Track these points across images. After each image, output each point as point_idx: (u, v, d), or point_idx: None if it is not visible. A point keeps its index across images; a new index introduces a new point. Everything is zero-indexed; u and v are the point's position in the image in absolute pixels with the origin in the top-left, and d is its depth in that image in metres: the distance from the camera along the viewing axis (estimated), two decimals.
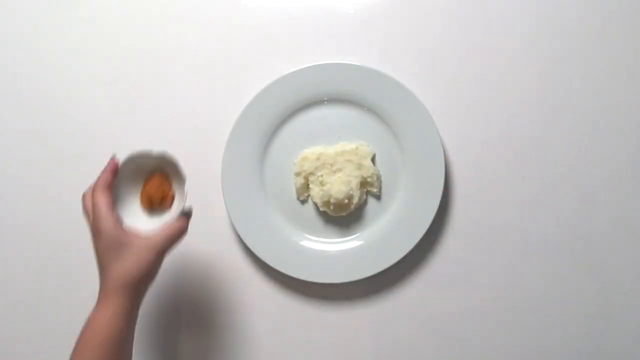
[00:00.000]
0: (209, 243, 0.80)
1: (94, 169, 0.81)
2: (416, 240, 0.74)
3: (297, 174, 0.77)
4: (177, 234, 0.63)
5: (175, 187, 0.68)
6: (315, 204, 0.77)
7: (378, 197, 0.78)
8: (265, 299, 0.79)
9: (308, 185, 0.77)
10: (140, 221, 0.65)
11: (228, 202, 0.77)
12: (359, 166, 0.76)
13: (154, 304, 0.79)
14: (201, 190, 0.80)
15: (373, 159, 0.77)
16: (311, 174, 0.77)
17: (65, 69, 0.85)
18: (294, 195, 0.78)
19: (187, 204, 0.65)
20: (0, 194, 0.84)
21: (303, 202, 0.78)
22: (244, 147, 0.78)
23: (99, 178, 0.63)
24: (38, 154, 0.84)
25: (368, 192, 0.77)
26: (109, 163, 0.64)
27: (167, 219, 0.65)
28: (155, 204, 0.67)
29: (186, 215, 0.66)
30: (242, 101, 0.78)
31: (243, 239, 0.77)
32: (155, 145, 0.81)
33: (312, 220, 0.78)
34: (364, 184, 0.76)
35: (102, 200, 0.61)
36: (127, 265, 0.59)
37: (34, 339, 0.81)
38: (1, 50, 0.86)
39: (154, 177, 0.67)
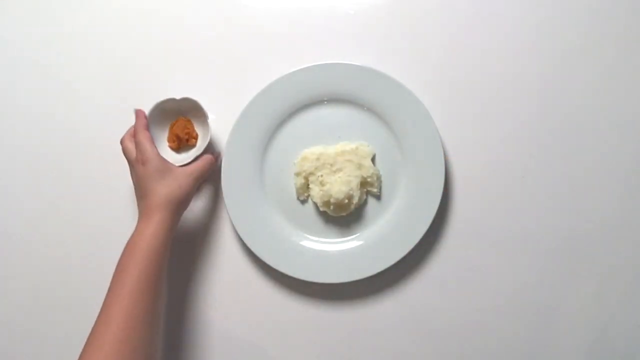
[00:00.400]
0: (209, 243, 0.80)
1: (92, 173, 0.82)
2: (416, 240, 0.74)
3: (297, 174, 0.77)
4: (209, 165, 0.76)
5: (198, 129, 0.79)
6: (315, 204, 0.77)
7: (378, 197, 0.78)
8: (265, 299, 0.79)
9: (308, 185, 0.77)
10: (169, 158, 0.75)
11: (228, 202, 0.77)
12: (359, 166, 0.76)
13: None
14: (201, 190, 0.81)
15: (373, 159, 0.77)
16: (311, 174, 0.77)
17: (65, 69, 0.85)
18: (294, 195, 0.78)
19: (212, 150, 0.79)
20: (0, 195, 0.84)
21: (303, 202, 0.78)
22: (244, 147, 0.78)
23: (136, 123, 0.74)
24: (37, 158, 0.84)
25: (368, 192, 0.77)
26: (138, 112, 0.75)
27: (194, 152, 0.77)
28: (182, 142, 0.78)
29: (214, 154, 0.78)
30: (242, 101, 0.78)
31: (243, 239, 0.77)
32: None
33: (312, 220, 0.78)
34: (364, 184, 0.76)
35: (145, 137, 0.73)
36: (171, 186, 0.71)
37: (34, 339, 0.81)
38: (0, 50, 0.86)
39: (178, 121, 0.78)
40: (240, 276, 0.79)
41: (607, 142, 0.77)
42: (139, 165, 0.71)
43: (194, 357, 0.78)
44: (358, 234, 0.77)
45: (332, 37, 0.82)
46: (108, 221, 0.81)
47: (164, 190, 0.70)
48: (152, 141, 0.73)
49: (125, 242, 0.77)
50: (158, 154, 0.72)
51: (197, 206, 0.81)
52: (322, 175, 0.76)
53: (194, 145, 0.79)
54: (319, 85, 0.78)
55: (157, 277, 0.66)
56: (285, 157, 0.78)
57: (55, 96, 0.84)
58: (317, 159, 0.76)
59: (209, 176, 0.80)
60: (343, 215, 0.76)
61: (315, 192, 0.76)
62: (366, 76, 0.77)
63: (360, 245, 0.76)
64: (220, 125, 0.80)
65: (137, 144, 0.72)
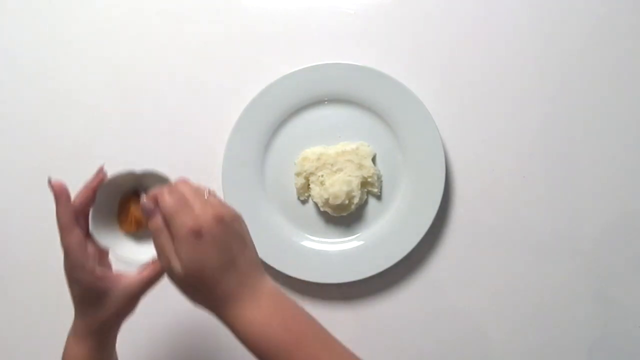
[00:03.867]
0: None
1: (92, 173, 0.82)
2: (416, 240, 0.74)
3: (298, 174, 0.77)
4: (158, 276, 0.57)
5: None
6: (315, 203, 0.77)
7: (379, 197, 0.78)
8: None
9: (309, 185, 0.77)
10: (128, 248, 0.60)
11: (228, 202, 0.77)
12: (360, 166, 0.76)
13: (153, 306, 0.79)
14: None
15: (374, 159, 0.77)
16: (312, 174, 0.77)
17: (63, 70, 0.84)
18: (295, 195, 0.78)
19: None
20: None
21: (304, 202, 0.78)
22: (245, 147, 0.78)
23: (59, 213, 0.55)
24: (36, 159, 0.83)
25: (369, 192, 0.77)
26: (83, 188, 0.57)
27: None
28: (142, 227, 0.60)
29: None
30: (242, 101, 0.78)
31: None
32: (152, 147, 0.82)
33: (313, 220, 0.78)
34: (364, 184, 0.76)
35: (73, 240, 0.54)
36: (104, 313, 0.55)
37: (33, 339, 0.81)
38: None
39: (133, 198, 0.61)
40: None
41: (608, 143, 0.77)
42: (67, 279, 0.56)
43: (194, 356, 0.78)
44: (358, 234, 0.77)
45: (332, 37, 0.82)
46: None
47: (96, 316, 0.56)
48: (82, 244, 0.55)
49: None
50: (90, 270, 0.55)
51: None
52: (322, 175, 0.76)
53: None
54: (319, 85, 0.78)
55: None
56: (286, 157, 0.78)
57: (55, 97, 0.84)
58: (318, 159, 0.76)
59: (210, 176, 0.80)
60: (344, 215, 0.76)
61: (316, 192, 0.76)
62: (366, 76, 0.77)
63: (360, 245, 0.76)
64: (220, 126, 0.79)
65: (63, 250, 0.55)
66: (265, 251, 0.76)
